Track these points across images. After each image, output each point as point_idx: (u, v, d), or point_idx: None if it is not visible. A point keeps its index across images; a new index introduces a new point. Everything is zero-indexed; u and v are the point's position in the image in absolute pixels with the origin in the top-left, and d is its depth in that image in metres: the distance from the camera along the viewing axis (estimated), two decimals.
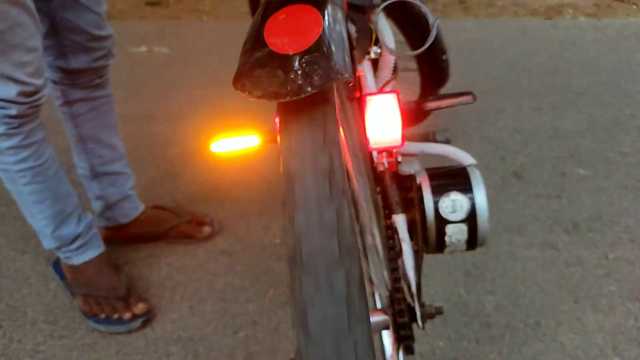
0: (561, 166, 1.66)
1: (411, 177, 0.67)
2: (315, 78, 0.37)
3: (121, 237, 1.30)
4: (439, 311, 0.65)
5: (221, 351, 1.07)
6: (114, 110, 1.21)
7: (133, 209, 1.28)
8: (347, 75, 0.38)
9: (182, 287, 1.21)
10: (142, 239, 1.30)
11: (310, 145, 0.39)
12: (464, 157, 0.71)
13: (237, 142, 0.83)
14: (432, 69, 1.36)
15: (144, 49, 2.48)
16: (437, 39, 1.30)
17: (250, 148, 0.84)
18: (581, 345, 1.09)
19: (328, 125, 0.40)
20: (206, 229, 1.32)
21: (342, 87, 0.62)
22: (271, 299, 1.19)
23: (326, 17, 0.41)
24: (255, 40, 0.41)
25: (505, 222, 1.42)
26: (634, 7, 3.31)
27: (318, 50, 0.38)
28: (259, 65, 0.39)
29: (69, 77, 1.10)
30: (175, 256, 1.29)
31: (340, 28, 0.42)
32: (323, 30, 0.39)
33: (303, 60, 0.38)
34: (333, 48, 0.39)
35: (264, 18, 0.42)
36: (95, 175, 1.22)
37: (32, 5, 0.89)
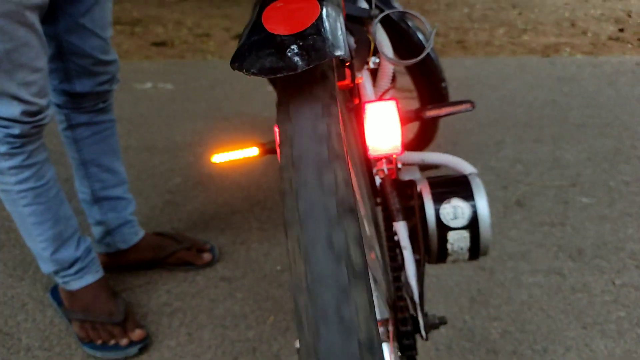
0: (563, 195, 1.66)
1: (412, 184, 0.67)
2: (312, 54, 0.38)
3: (120, 263, 1.28)
4: (442, 321, 0.63)
5: None
6: (117, 136, 1.22)
7: (133, 235, 1.27)
8: (343, 54, 0.38)
9: (180, 313, 1.19)
10: (141, 265, 1.29)
11: (309, 114, 0.39)
12: (465, 167, 0.70)
13: (237, 153, 0.83)
14: (432, 96, 1.37)
15: (148, 85, 2.52)
16: (435, 66, 1.33)
17: (250, 157, 0.83)
18: None
19: (326, 99, 0.40)
20: (206, 256, 1.31)
21: (341, 95, 0.62)
22: (272, 325, 1.16)
23: (323, 5, 0.41)
24: (254, 25, 0.42)
25: (510, 249, 1.41)
26: (629, 45, 3.38)
27: (315, 32, 0.39)
28: (256, 46, 0.39)
29: (73, 101, 1.11)
30: (174, 283, 1.28)
31: (337, 15, 0.42)
32: (320, 15, 0.40)
33: (300, 40, 0.39)
34: (329, 30, 0.40)
35: (263, 6, 0.43)
36: (96, 199, 1.21)
37: (39, 27, 0.91)
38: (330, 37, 0.39)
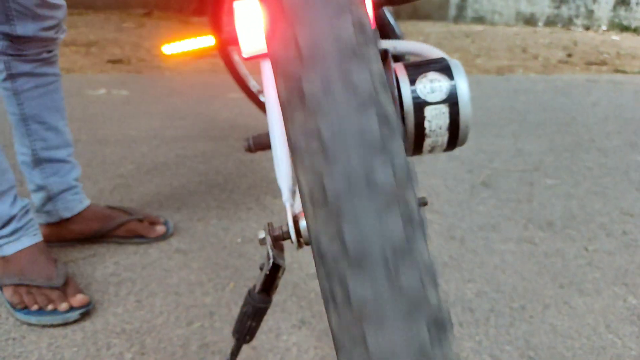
0: (528, 177, 1.64)
1: (385, 55, 0.61)
2: None
3: (63, 235, 1.16)
4: (423, 202, 0.57)
5: (172, 342, 0.92)
6: (62, 93, 1.13)
7: (77, 202, 1.16)
8: None
9: (129, 282, 1.07)
10: (87, 237, 1.17)
11: None
12: (440, 54, 0.66)
13: (190, 43, 0.76)
14: None
15: (102, 91, 2.43)
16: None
17: (205, 48, 0.76)
18: (573, 326, 1.00)
19: None
20: (159, 228, 1.21)
21: None
22: (232, 291, 1.06)
23: None
24: None
25: (479, 221, 1.36)
26: (578, 68, 3.53)
27: None
28: None
29: (14, 47, 1.03)
30: (123, 255, 1.16)
31: None
32: None
33: None
34: None
35: None
36: (38, 161, 1.11)
37: None
38: None
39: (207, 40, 0.76)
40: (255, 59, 0.62)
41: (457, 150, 1.84)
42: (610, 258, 1.23)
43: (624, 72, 3.39)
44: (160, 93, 2.45)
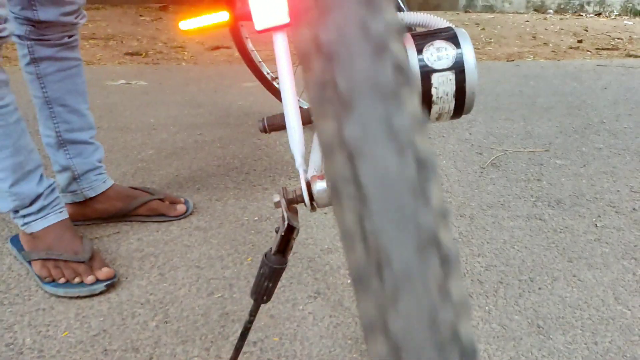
0: (537, 158, 1.66)
1: None
2: None
3: (87, 214, 1.21)
4: None
5: (194, 311, 0.97)
6: (84, 77, 1.18)
7: (100, 182, 1.20)
8: None
9: (152, 257, 1.12)
10: (110, 216, 1.22)
11: None
12: (447, 24, 0.69)
13: (206, 19, 0.79)
14: None
15: (121, 81, 2.48)
16: None
17: (220, 23, 0.80)
18: (582, 297, 1.03)
19: None
20: (180, 207, 1.25)
21: None
22: (250, 265, 1.10)
23: None
24: None
25: (488, 200, 1.39)
26: (588, 53, 3.51)
27: None
28: None
29: (37, 32, 1.07)
30: (146, 232, 1.21)
31: None
32: None
33: None
34: None
35: None
36: (62, 143, 1.16)
37: None
38: None
39: (222, 16, 0.79)
40: (268, 31, 0.65)
41: (466, 133, 1.87)
42: (619, 234, 1.25)
43: (636, 56, 3.37)
44: (177, 83, 2.50)
